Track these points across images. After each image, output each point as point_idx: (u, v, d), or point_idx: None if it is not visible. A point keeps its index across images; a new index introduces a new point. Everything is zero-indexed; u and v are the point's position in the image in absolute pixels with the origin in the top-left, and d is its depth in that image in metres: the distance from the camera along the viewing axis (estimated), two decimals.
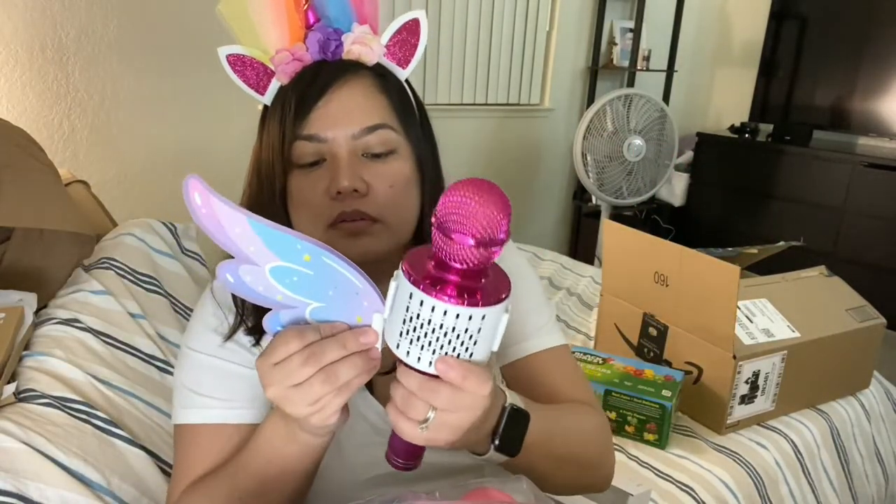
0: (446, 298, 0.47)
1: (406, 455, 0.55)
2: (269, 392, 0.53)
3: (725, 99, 4.11)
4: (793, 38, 3.57)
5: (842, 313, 1.44)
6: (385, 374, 0.74)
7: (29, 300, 1.01)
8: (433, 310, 0.47)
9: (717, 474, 1.17)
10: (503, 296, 0.49)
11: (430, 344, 0.49)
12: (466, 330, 0.48)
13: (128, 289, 1.15)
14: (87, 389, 0.96)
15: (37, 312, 1.04)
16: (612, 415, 1.26)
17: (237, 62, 0.71)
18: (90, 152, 2.28)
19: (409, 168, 0.71)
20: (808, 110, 3.55)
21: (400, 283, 0.50)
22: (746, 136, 3.72)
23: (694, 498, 1.11)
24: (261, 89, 0.72)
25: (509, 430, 0.58)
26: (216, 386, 0.70)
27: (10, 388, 0.90)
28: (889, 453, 1.53)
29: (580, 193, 3.67)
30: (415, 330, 0.49)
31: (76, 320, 1.04)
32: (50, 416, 0.88)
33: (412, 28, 0.74)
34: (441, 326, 0.48)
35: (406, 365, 0.51)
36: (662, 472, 1.17)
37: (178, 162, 2.41)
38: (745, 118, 3.79)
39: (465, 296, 0.47)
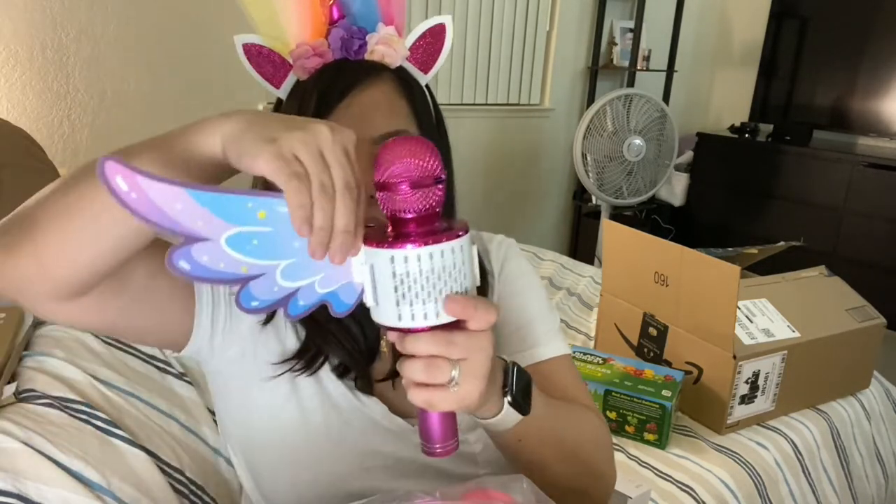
0: (427, 243, 0.49)
1: (444, 436, 0.54)
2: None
3: (725, 99, 4.11)
4: (793, 38, 3.57)
5: (842, 313, 1.44)
6: (381, 380, 0.75)
7: None
8: (419, 259, 0.49)
9: (717, 474, 1.17)
10: (463, 230, 0.51)
11: (429, 294, 0.50)
12: (454, 265, 0.50)
13: None
14: (87, 389, 0.96)
15: None
16: (612, 415, 1.26)
17: (253, 51, 0.70)
18: (90, 152, 2.28)
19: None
20: (808, 110, 3.55)
21: (375, 258, 0.50)
22: (746, 136, 3.72)
23: (694, 498, 1.11)
24: (276, 82, 0.71)
25: (517, 384, 0.58)
26: None
27: (10, 389, 0.90)
28: (889, 453, 1.53)
29: (580, 193, 3.67)
30: (410, 289, 0.49)
31: None
32: (50, 416, 0.88)
33: (438, 33, 0.73)
34: (433, 271, 0.49)
35: (411, 331, 0.51)
36: (662, 472, 1.17)
37: None
38: (745, 118, 3.79)
39: (437, 235, 0.50)
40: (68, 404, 0.92)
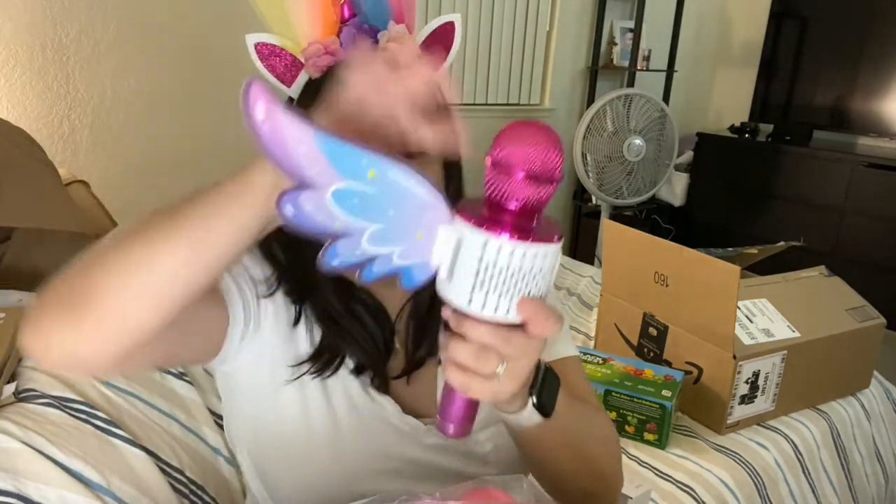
0: (524, 239, 0.47)
1: (462, 418, 0.53)
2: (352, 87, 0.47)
3: (725, 99, 4.10)
4: (793, 38, 3.57)
5: (842, 313, 1.44)
6: (397, 377, 0.75)
7: (29, 300, 1.01)
8: (512, 253, 0.47)
9: (717, 474, 1.17)
10: (559, 236, 0.49)
11: (507, 290, 0.48)
12: (540, 269, 0.48)
13: None
14: (87, 389, 0.96)
15: None
16: (612, 415, 1.26)
17: (265, 50, 0.70)
18: (90, 152, 2.28)
19: (437, 172, 0.70)
20: (808, 110, 3.55)
21: (466, 235, 0.48)
22: (746, 136, 3.72)
23: (694, 498, 1.11)
24: (287, 81, 0.71)
25: (545, 387, 0.58)
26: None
27: (10, 388, 0.90)
28: (889, 453, 1.53)
29: (580, 193, 3.67)
30: (491, 279, 0.48)
31: None
32: (50, 416, 0.88)
33: (447, 31, 0.73)
34: (520, 269, 0.47)
35: (477, 319, 0.49)
36: (662, 472, 1.17)
37: (177, 162, 2.41)
38: (745, 118, 3.79)
39: (533, 234, 0.47)
40: (68, 404, 0.92)
